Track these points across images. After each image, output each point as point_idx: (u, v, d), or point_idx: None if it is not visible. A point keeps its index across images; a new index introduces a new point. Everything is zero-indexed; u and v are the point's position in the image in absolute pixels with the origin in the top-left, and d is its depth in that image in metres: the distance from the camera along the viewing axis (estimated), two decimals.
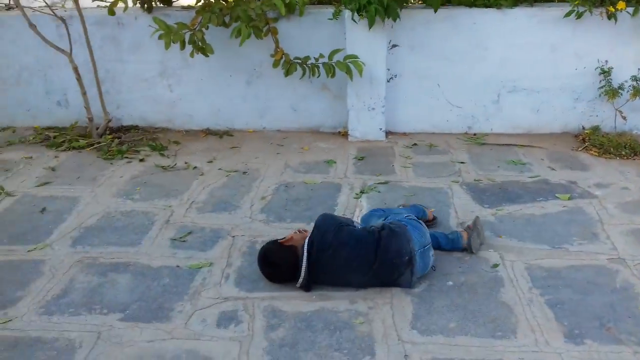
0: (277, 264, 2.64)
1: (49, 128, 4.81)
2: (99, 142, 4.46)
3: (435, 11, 4.08)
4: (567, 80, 4.35)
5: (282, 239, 2.66)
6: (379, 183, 3.69)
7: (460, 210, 3.32)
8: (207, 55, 4.13)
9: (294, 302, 2.54)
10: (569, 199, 3.42)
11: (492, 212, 3.29)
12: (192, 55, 4.14)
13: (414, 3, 4.48)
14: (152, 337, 2.34)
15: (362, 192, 3.56)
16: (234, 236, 3.10)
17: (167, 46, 3.94)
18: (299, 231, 2.71)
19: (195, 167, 4.04)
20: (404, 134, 4.57)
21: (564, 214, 3.25)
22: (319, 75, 4.17)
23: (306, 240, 2.57)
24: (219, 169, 4.01)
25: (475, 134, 4.52)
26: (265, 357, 2.22)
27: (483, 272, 2.72)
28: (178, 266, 2.84)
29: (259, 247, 2.96)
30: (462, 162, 3.98)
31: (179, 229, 3.19)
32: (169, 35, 3.88)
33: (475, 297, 2.54)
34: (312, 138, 4.55)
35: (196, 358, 2.22)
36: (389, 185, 3.66)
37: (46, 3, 4.35)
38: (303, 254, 2.54)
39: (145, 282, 2.72)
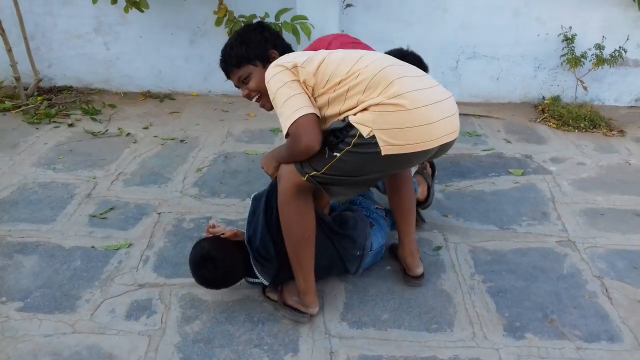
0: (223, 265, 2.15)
1: None
2: (26, 104, 4.10)
3: None
4: (528, 47, 4.13)
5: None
6: None
7: None
8: (141, 11, 3.77)
9: (216, 290, 2.31)
10: (522, 174, 3.24)
11: (440, 189, 3.09)
12: (126, 10, 3.79)
13: None
14: (51, 331, 2.09)
15: None
16: (160, 213, 2.84)
17: (94, 0, 3.56)
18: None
19: (128, 134, 3.73)
20: None
21: (515, 191, 3.07)
22: None
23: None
24: (155, 136, 3.71)
25: None
26: (176, 355, 1.99)
27: (424, 255, 2.53)
28: (93, 247, 2.58)
29: (186, 225, 2.72)
30: None
31: (101, 204, 2.91)
32: None
33: (405, 285, 2.35)
34: None
35: (97, 355, 1.99)
36: None
37: None
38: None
39: (54, 265, 2.45)
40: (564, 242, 2.64)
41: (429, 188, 2.76)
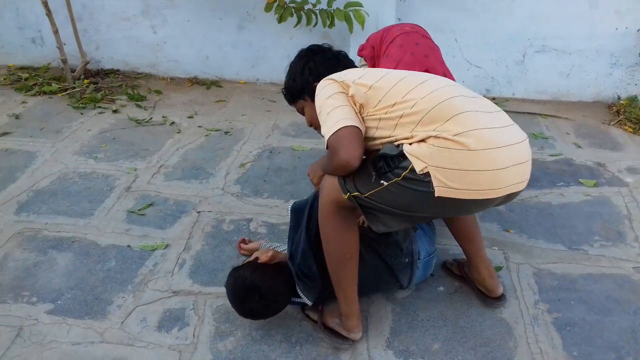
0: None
1: (23, 68, 4.38)
2: (73, 87, 4.03)
3: None
4: (604, 42, 3.76)
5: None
6: None
7: None
8: None
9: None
10: (595, 185, 2.93)
11: None
12: None
13: None
14: (79, 339, 1.98)
15: None
16: (199, 212, 2.69)
17: None
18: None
19: (172, 123, 3.60)
20: None
21: (587, 205, 2.77)
22: (315, 24, 3.63)
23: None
24: (199, 126, 3.57)
25: (494, 98, 3.98)
26: None
27: None
28: (129, 246, 2.46)
29: (226, 227, 2.57)
30: None
31: (140, 198, 2.79)
32: None
33: (468, 310, 2.12)
34: None
35: None
36: None
37: None
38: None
39: (88, 264, 2.34)
40: None
41: None
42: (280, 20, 3.61)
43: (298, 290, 1.96)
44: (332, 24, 3.55)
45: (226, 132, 3.48)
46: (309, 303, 1.98)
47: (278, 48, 4.08)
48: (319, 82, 1.86)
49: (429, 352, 1.94)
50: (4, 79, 4.20)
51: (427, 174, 1.52)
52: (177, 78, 4.31)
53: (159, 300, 2.16)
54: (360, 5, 3.50)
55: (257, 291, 1.86)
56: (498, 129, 1.56)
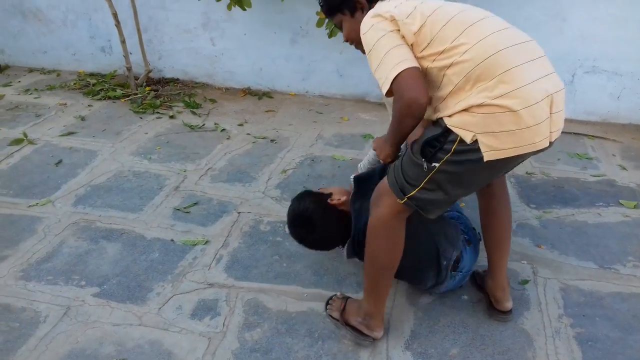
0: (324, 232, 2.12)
1: (92, 74, 4.72)
2: (135, 94, 4.31)
3: None
4: None
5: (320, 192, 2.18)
6: None
7: None
8: (244, 9, 3.81)
9: (282, 298, 2.26)
10: (635, 207, 2.89)
11: (537, 215, 2.83)
12: (229, 7, 3.84)
13: None
14: (120, 320, 2.15)
15: None
16: (239, 212, 2.84)
17: None
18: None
19: (223, 130, 3.79)
20: None
21: (624, 225, 2.74)
22: None
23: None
24: (248, 133, 3.74)
25: None
26: None
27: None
28: (172, 240, 2.63)
29: (263, 228, 2.71)
30: None
31: (187, 197, 2.98)
32: None
33: (490, 319, 2.15)
34: (355, 107, 4.17)
35: (158, 351, 2.01)
36: None
37: None
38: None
39: (134, 254, 2.53)
40: None
41: None
42: (331, 35, 3.75)
43: (346, 245, 2.09)
44: None
45: (272, 140, 3.64)
46: (346, 257, 2.16)
47: (328, 62, 4.23)
48: None
49: (446, 356, 1.99)
50: (74, 83, 4.54)
51: (476, 142, 1.57)
52: (232, 88, 4.53)
53: (195, 291, 2.31)
54: None
55: (312, 226, 2.01)
56: (538, 80, 1.58)
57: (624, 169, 3.30)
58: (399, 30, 1.66)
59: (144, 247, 2.58)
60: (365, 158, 2.27)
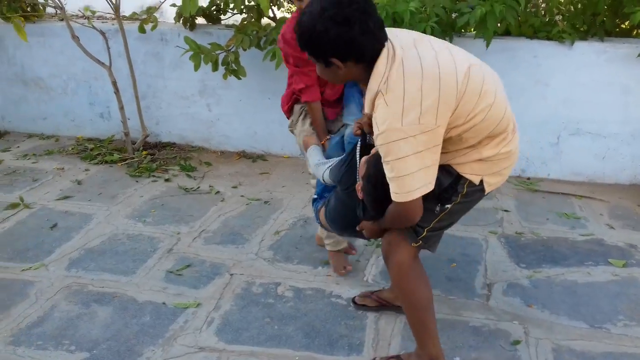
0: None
1: (90, 139, 4.82)
2: (132, 158, 4.40)
3: (487, 46, 3.67)
4: (639, 126, 3.81)
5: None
6: None
7: (491, 269, 2.90)
8: (239, 78, 3.96)
9: None
10: (624, 266, 2.92)
11: (527, 274, 2.85)
12: (225, 77, 4.00)
13: (466, 32, 4.09)
14: None
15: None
16: (232, 274, 2.86)
17: (196, 67, 3.81)
18: None
19: (217, 192, 3.85)
20: None
21: (614, 284, 2.76)
22: None
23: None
24: (242, 195, 3.80)
25: (529, 178, 4.05)
26: None
27: (499, 348, 2.31)
28: (164, 303, 2.63)
29: (255, 289, 2.72)
30: (506, 210, 3.55)
31: (179, 260, 3.00)
32: (198, 56, 3.75)
33: None
34: None
35: None
36: None
37: (89, 16, 4.38)
38: None
39: (125, 318, 2.52)
40: None
41: None
42: None
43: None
44: None
45: (266, 202, 3.70)
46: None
47: None
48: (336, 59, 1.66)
49: None
50: (72, 148, 4.63)
51: (482, 181, 1.85)
52: (227, 152, 4.63)
53: (185, 355, 2.30)
54: None
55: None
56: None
57: (612, 227, 3.34)
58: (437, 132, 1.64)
59: (136, 311, 2.58)
60: (312, 159, 2.42)
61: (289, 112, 2.84)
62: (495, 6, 3.47)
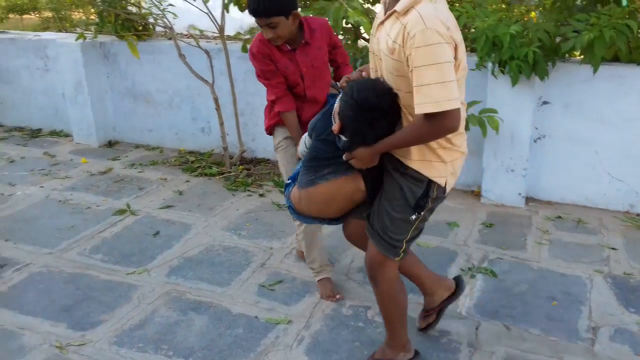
0: None
1: (191, 152, 5.06)
2: (229, 172, 4.57)
3: (595, 72, 3.49)
4: None
5: None
6: (499, 258, 3.21)
7: (596, 311, 2.72)
8: None
9: None
10: None
11: (637, 320, 2.65)
12: None
13: (571, 57, 3.92)
14: None
15: (477, 270, 3.11)
16: None
17: None
18: None
19: None
20: (549, 202, 3.99)
21: None
22: None
23: None
24: None
25: (638, 214, 3.79)
26: None
27: None
28: (257, 317, 2.69)
29: (345, 311, 2.72)
30: (613, 248, 3.33)
31: (272, 275, 3.06)
32: None
33: None
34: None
35: None
36: (513, 263, 3.16)
37: (195, 35, 4.61)
38: None
39: (219, 328, 2.60)
40: None
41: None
42: None
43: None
44: (467, 128, 3.71)
45: None
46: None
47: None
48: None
49: None
50: (175, 160, 4.88)
51: (445, 183, 1.95)
52: None
53: None
54: (496, 112, 3.64)
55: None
56: None
57: None
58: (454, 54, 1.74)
59: (229, 322, 2.65)
60: (301, 146, 2.35)
61: (269, 130, 2.96)
62: (604, 31, 3.30)
